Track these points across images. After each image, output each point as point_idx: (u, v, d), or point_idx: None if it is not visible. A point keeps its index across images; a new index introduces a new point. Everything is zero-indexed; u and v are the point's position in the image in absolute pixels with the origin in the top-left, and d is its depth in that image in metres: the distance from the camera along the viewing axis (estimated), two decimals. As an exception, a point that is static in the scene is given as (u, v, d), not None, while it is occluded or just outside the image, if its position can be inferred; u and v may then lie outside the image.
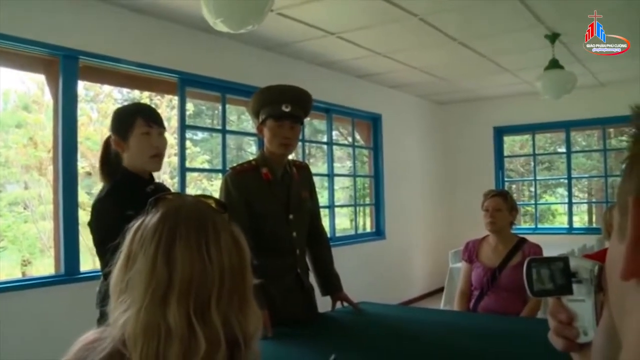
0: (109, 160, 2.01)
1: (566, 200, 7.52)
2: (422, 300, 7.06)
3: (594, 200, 9.42)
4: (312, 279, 2.50)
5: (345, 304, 2.51)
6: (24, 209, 5.62)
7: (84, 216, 3.49)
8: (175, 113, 4.88)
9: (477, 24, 4.33)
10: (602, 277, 0.68)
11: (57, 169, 3.49)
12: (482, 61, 5.39)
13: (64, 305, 3.29)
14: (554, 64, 4.61)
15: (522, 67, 5.66)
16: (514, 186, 8.78)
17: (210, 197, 1.08)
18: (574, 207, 7.81)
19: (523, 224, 7.88)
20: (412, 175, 7.26)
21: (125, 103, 5.07)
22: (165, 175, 5.66)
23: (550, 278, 0.71)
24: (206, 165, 6.81)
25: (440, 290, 5.72)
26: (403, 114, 7.13)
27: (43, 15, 3.31)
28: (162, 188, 2.07)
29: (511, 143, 8.55)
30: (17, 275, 5.06)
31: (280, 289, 2.22)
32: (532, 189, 7.95)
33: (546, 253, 2.66)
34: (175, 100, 4.67)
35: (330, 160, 6.01)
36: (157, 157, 2.00)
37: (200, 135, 7.05)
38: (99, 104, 6.09)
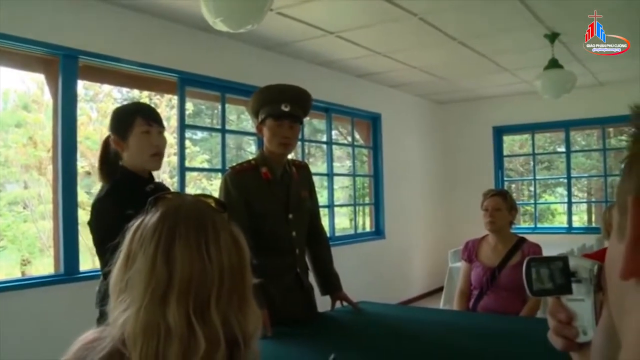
0: (108, 160, 2.01)
1: (565, 199, 7.52)
2: (421, 299, 7.06)
3: (593, 199, 9.43)
4: (312, 278, 2.50)
5: (345, 303, 2.51)
6: (24, 208, 5.62)
7: (83, 216, 3.49)
8: (174, 112, 4.88)
9: (477, 23, 4.33)
10: (602, 276, 0.68)
11: (57, 169, 3.49)
12: (481, 61, 5.39)
13: (63, 305, 3.29)
14: (554, 64, 4.61)
15: (522, 66, 5.66)
16: (513, 186, 8.78)
17: (210, 196, 1.08)
18: (574, 207, 7.82)
19: (522, 224, 7.88)
20: (412, 175, 7.26)
21: (125, 102, 5.07)
22: (165, 175, 5.66)
23: (550, 277, 0.71)
24: (206, 165, 6.81)
25: (439, 289, 5.72)
26: (402, 114, 7.13)
27: (43, 15, 3.31)
28: (161, 187, 2.07)
29: (511, 142, 8.55)
30: (16, 274, 5.07)
31: (279, 289, 2.22)
32: (532, 188, 7.95)
33: (545, 252, 2.66)
34: (174, 99, 4.67)
35: (330, 159, 6.00)
36: (157, 156, 2.01)
37: (199, 134, 7.05)
38: (98, 104, 6.09)
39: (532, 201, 7.90)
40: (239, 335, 0.93)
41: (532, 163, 7.75)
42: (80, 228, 3.51)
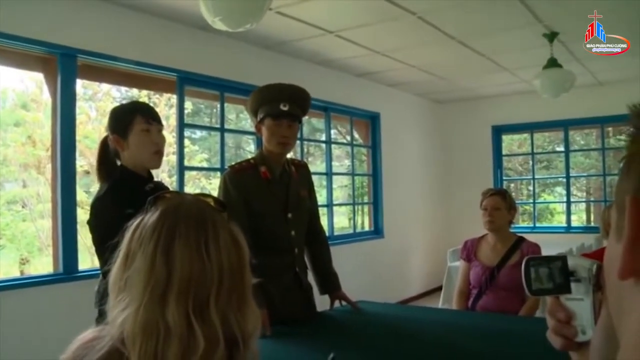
0: (107, 160, 2.01)
1: (564, 199, 7.52)
2: (420, 299, 7.06)
3: (592, 199, 9.44)
4: (311, 277, 2.50)
5: (344, 302, 2.50)
6: (23, 207, 5.62)
7: (82, 215, 3.49)
8: (173, 111, 4.88)
9: (476, 22, 4.33)
10: (601, 276, 0.68)
11: (56, 168, 3.48)
12: (480, 60, 5.39)
13: (62, 304, 3.29)
14: (553, 63, 4.61)
15: (521, 65, 5.66)
16: (512, 185, 8.79)
17: (210, 195, 1.08)
18: (573, 206, 7.82)
19: (521, 223, 7.88)
20: (411, 174, 7.26)
21: (124, 101, 5.08)
22: (164, 174, 5.66)
23: (549, 277, 0.71)
24: (205, 164, 6.81)
25: (438, 289, 5.72)
26: (401, 113, 7.12)
27: (41, 14, 3.31)
28: (161, 186, 2.08)
29: (510, 142, 8.55)
30: (15, 273, 5.06)
31: (278, 288, 2.22)
32: (531, 187, 7.95)
33: (544, 252, 2.66)
34: (173, 98, 4.67)
35: (329, 158, 6.00)
36: (158, 154, 2.01)
37: (198, 133, 7.05)
38: (97, 103, 6.09)
39: (531, 200, 7.90)
40: (238, 335, 0.93)
41: (531, 162, 7.76)
42: (79, 227, 3.51)
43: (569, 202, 7.33)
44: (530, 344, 1.72)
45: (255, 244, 1.74)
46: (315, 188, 2.63)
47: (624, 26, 3.91)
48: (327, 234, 2.70)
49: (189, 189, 5.70)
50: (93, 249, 1.92)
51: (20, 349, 3.04)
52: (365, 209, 6.98)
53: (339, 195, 7.35)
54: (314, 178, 2.73)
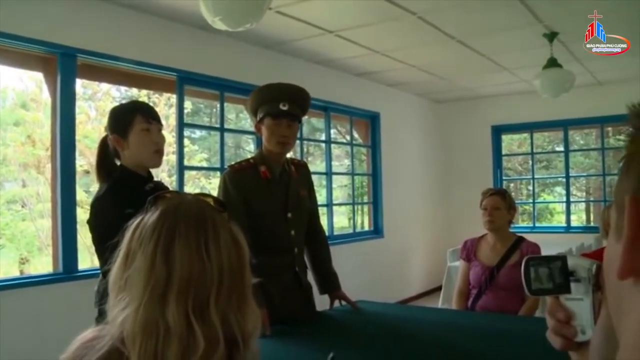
0: (106, 160, 2.01)
1: (564, 199, 7.52)
2: (420, 298, 7.06)
3: (591, 199, 9.44)
4: (310, 277, 2.50)
5: (344, 302, 2.51)
6: (22, 207, 5.62)
7: (82, 214, 3.49)
8: (173, 111, 4.88)
9: (476, 22, 4.33)
10: (600, 275, 0.68)
11: (55, 167, 3.48)
12: (480, 59, 5.39)
13: (62, 304, 3.29)
14: (552, 63, 4.61)
15: (521, 65, 5.66)
16: (512, 185, 8.79)
17: (210, 195, 1.08)
18: (572, 206, 7.82)
19: (521, 223, 7.88)
20: (411, 174, 7.26)
21: (124, 101, 5.07)
22: (164, 174, 5.66)
23: (549, 277, 0.71)
24: (204, 164, 6.82)
25: (438, 289, 5.72)
26: (401, 113, 7.12)
27: (41, 13, 3.31)
28: (161, 186, 2.08)
29: (509, 142, 8.56)
30: (15, 273, 5.07)
31: (278, 288, 2.23)
32: (530, 187, 7.95)
33: (544, 252, 2.66)
34: (173, 98, 4.67)
35: (329, 158, 6.00)
36: (158, 153, 2.01)
37: (198, 133, 7.06)
38: (97, 102, 6.09)
39: (530, 200, 7.90)
40: (238, 335, 0.93)
41: (530, 162, 7.76)
42: (78, 227, 3.51)
43: (568, 202, 7.33)
44: (530, 344, 1.72)
45: (255, 243, 1.74)
46: (315, 188, 2.63)
47: (624, 26, 3.91)
48: (326, 234, 2.70)
49: (189, 188, 5.70)
50: (93, 249, 1.92)
51: (20, 348, 3.04)
52: (365, 208, 6.98)
53: (339, 195, 7.35)
54: (314, 178, 2.73)
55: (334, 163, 6.49)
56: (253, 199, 2.24)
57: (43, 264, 5.24)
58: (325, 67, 5.63)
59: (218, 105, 4.82)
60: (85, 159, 5.22)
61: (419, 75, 6.16)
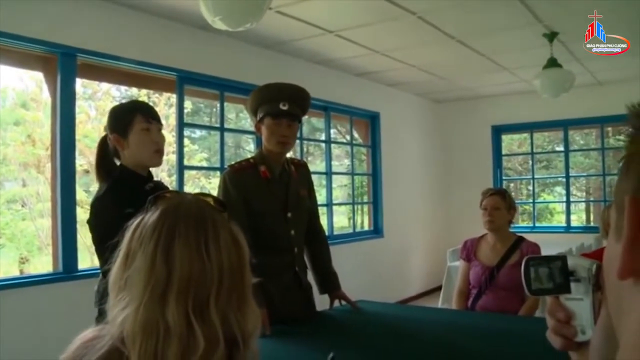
0: (106, 160, 2.01)
1: (564, 198, 7.52)
2: (420, 298, 7.06)
3: (591, 198, 9.44)
4: (310, 277, 2.50)
5: (344, 302, 2.51)
6: (22, 206, 5.62)
7: (82, 214, 3.49)
8: (173, 111, 4.88)
9: (476, 22, 4.33)
10: (600, 275, 0.68)
11: (55, 167, 3.48)
12: (480, 59, 5.39)
13: (62, 303, 3.29)
14: (552, 63, 4.61)
15: (520, 65, 5.66)
16: (512, 185, 8.79)
17: (210, 195, 1.08)
18: (572, 206, 7.82)
19: (521, 223, 7.88)
20: (410, 174, 7.26)
21: (124, 101, 5.07)
22: (164, 173, 5.66)
23: (549, 277, 0.71)
24: (204, 163, 6.82)
25: (438, 288, 5.72)
26: (401, 112, 7.12)
27: (41, 13, 3.31)
28: (160, 186, 2.08)
29: (509, 142, 8.56)
30: (15, 272, 5.07)
31: (278, 287, 2.23)
32: (530, 187, 7.95)
33: (544, 252, 2.67)
34: (173, 98, 4.67)
35: (329, 158, 6.00)
36: (158, 153, 2.02)
37: (198, 133, 7.06)
38: (97, 102, 6.09)
39: (530, 200, 7.90)
40: (238, 335, 0.93)
41: (530, 162, 7.77)
42: (78, 226, 3.51)
43: (568, 202, 7.33)
44: (530, 344, 1.72)
45: (255, 243, 1.74)
46: (315, 187, 2.63)
47: (624, 26, 3.91)
48: (326, 234, 2.70)
49: (189, 188, 5.70)
50: (93, 248, 1.92)
51: (20, 348, 3.04)
52: (365, 208, 6.98)
53: (339, 194, 7.35)
54: (314, 177, 2.73)
55: (334, 163, 6.49)
56: (253, 198, 2.24)
57: (43, 264, 5.24)
58: (325, 67, 5.62)
59: (218, 105, 4.82)
60: (85, 159, 5.22)
61: (419, 75, 6.16)
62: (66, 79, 3.49)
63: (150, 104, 2.82)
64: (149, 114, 2.00)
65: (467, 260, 3.17)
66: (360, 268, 5.80)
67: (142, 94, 5.62)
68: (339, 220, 7.27)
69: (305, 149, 6.11)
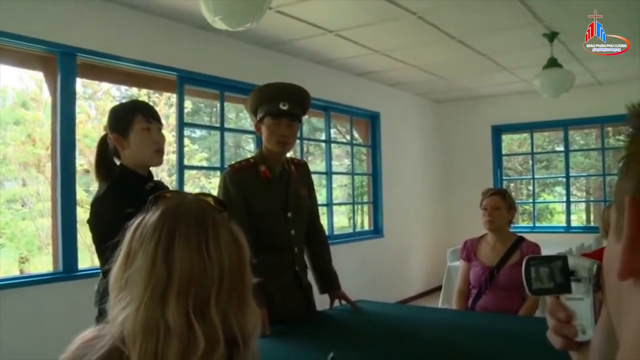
0: (105, 159, 2.01)
1: (564, 198, 7.52)
2: (420, 298, 7.06)
3: (592, 198, 9.44)
4: (310, 277, 2.50)
5: (344, 302, 2.51)
6: (22, 206, 5.62)
7: (82, 214, 3.49)
8: (173, 111, 4.88)
9: (476, 22, 4.33)
10: (601, 276, 0.68)
11: (55, 167, 3.48)
12: (480, 59, 5.39)
13: (62, 303, 3.29)
14: (553, 63, 4.61)
15: (521, 65, 5.66)
16: (512, 185, 8.79)
17: (210, 195, 1.08)
18: (572, 206, 7.82)
19: (521, 223, 7.88)
20: (411, 174, 7.26)
21: (124, 100, 5.07)
22: (164, 173, 5.66)
23: (549, 277, 0.71)
24: (204, 163, 6.82)
25: (438, 288, 5.72)
26: (401, 112, 7.12)
27: (41, 13, 3.31)
28: (161, 186, 2.08)
29: (509, 141, 8.56)
30: (15, 272, 5.07)
31: (278, 287, 2.22)
32: (530, 187, 7.95)
33: (544, 252, 2.66)
34: (173, 97, 4.67)
35: (329, 158, 6.00)
36: (159, 152, 2.02)
37: (198, 132, 7.06)
38: (97, 102, 6.10)
39: (530, 200, 7.90)
40: (238, 334, 0.93)
41: (530, 162, 7.77)
42: (78, 226, 3.51)
43: (568, 202, 7.33)
44: (530, 344, 1.72)
45: (255, 243, 1.74)
46: (315, 187, 2.63)
47: (624, 26, 3.91)
48: (326, 233, 2.70)
49: (189, 188, 5.70)
50: (93, 248, 1.92)
51: (20, 348, 3.04)
52: (365, 208, 6.98)
53: (339, 194, 7.35)
54: (314, 177, 2.73)
55: (334, 163, 6.49)
56: (253, 198, 2.24)
57: (43, 263, 5.24)
58: (325, 67, 5.62)
59: (218, 105, 4.82)
60: (85, 158, 5.22)
61: (419, 75, 6.16)
62: (66, 79, 3.49)
63: (151, 103, 2.82)
64: (149, 113, 2.00)
65: (467, 260, 3.17)
66: (360, 268, 5.80)
67: (142, 94, 5.62)
68: (339, 220, 7.27)
69: (305, 149, 6.12)
